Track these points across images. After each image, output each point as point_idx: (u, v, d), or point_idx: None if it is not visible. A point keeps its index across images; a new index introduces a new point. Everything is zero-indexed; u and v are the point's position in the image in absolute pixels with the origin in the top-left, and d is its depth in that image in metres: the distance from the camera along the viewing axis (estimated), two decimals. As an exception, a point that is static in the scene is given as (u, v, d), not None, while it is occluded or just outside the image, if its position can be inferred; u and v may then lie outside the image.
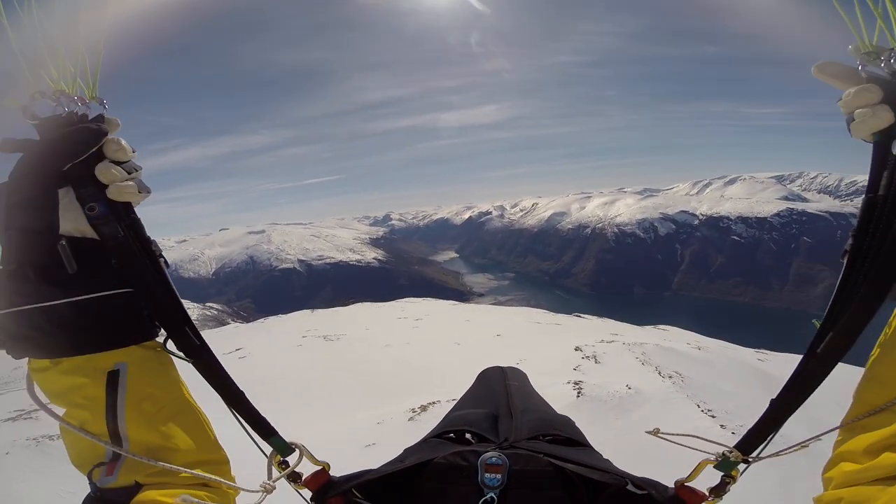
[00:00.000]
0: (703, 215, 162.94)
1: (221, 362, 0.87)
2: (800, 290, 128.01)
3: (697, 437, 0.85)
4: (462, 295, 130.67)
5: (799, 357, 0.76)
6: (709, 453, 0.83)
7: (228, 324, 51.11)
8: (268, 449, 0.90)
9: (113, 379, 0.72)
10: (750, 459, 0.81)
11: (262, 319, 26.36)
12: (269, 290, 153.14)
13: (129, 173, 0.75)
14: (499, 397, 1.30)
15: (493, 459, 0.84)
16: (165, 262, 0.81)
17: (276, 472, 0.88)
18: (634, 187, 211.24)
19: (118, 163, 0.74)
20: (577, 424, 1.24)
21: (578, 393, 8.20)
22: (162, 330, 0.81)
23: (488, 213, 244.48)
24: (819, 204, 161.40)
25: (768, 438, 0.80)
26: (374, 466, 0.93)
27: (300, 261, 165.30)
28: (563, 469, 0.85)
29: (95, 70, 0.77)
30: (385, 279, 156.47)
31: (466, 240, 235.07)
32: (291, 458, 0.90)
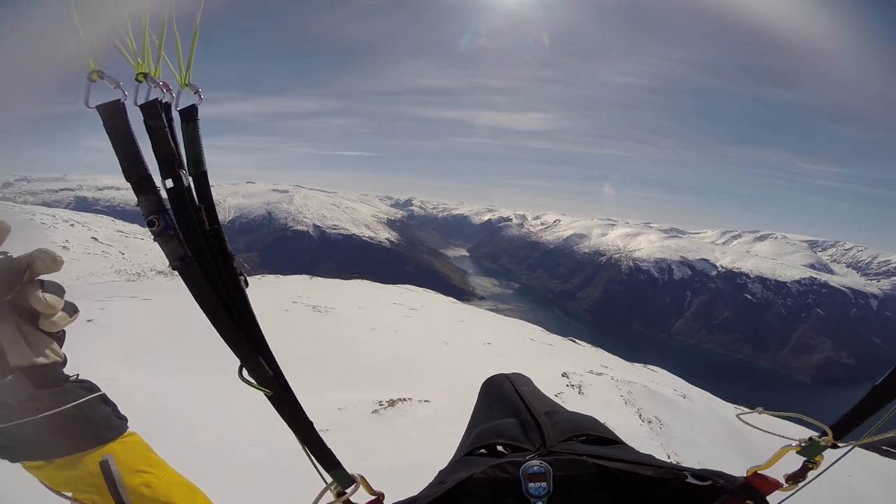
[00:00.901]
0: (722, 268, 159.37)
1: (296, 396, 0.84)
2: (794, 357, 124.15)
3: (800, 417, 0.87)
4: (463, 294, 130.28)
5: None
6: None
7: (231, 273, 51.60)
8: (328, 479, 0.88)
9: (105, 467, 0.78)
10: (840, 444, 0.78)
11: (259, 277, 26.33)
12: (278, 248, 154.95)
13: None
14: (515, 404, 1.23)
15: (536, 468, 0.80)
16: (246, 281, 0.75)
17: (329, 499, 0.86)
18: (661, 224, 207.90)
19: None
20: None
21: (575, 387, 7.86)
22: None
23: (508, 219, 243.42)
24: (843, 279, 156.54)
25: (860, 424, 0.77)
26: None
27: (315, 226, 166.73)
28: (608, 469, 0.81)
29: (191, 45, 0.64)
30: (392, 261, 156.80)
31: (480, 241, 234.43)
32: (349, 488, 0.89)
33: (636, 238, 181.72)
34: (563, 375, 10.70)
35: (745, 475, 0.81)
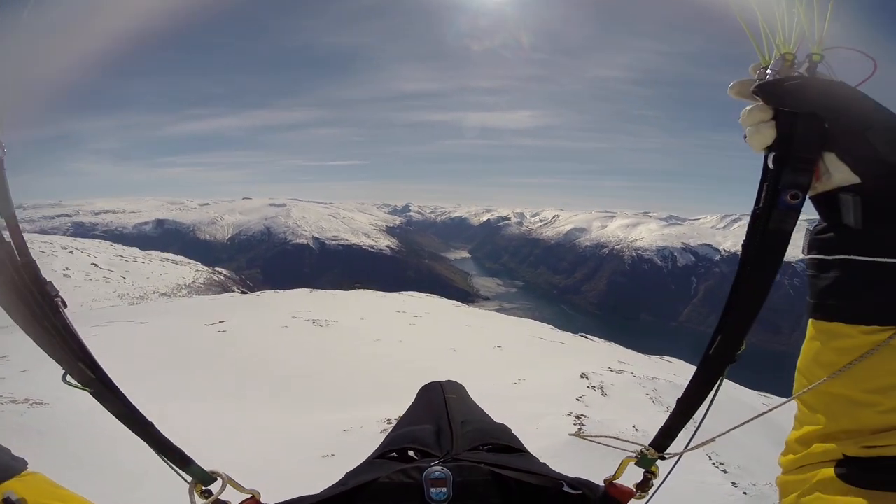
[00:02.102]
0: (725, 251, 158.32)
1: (123, 390, 0.86)
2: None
3: (616, 438, 0.95)
4: (468, 296, 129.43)
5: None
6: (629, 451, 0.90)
7: (232, 291, 51.16)
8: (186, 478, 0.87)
9: (8, 502, 0.75)
10: (665, 456, 0.88)
11: (258, 293, 25.77)
12: (279, 262, 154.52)
13: None
14: (438, 411, 1.30)
15: (437, 474, 0.84)
16: (63, 302, 0.81)
17: (199, 502, 0.86)
18: (660, 213, 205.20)
19: None
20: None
21: (579, 429, 7.21)
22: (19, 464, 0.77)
23: (507, 218, 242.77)
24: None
25: (683, 434, 0.87)
26: (331, 479, 0.92)
27: (314, 238, 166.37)
28: (502, 476, 0.87)
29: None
30: (394, 268, 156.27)
31: (480, 242, 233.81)
32: (215, 487, 0.87)
33: (636, 228, 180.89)
34: (582, 376, 10.05)
35: (603, 485, 0.88)
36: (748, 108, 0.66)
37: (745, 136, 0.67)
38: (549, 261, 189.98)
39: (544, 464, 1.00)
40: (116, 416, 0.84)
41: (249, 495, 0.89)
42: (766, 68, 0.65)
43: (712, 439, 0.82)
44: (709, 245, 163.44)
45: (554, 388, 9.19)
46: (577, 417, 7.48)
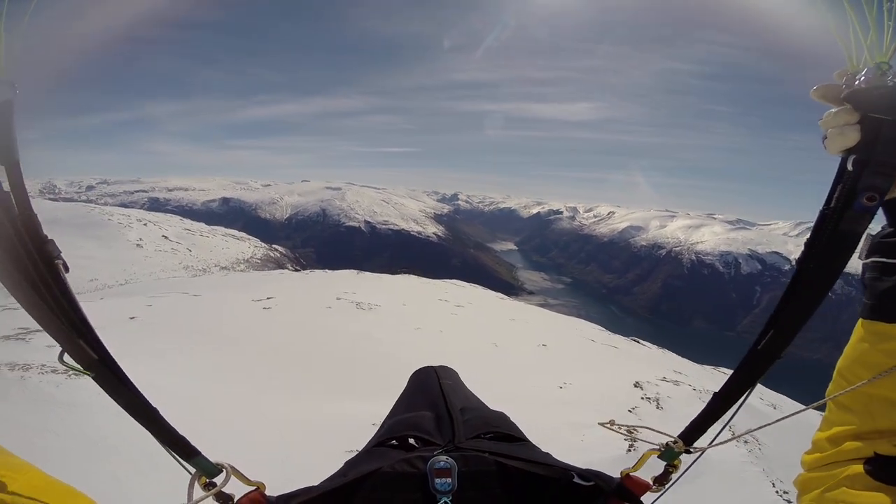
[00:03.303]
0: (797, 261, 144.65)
1: (127, 373, 0.78)
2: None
3: (647, 428, 0.93)
4: (512, 288, 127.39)
5: None
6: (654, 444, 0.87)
7: (286, 268, 53.53)
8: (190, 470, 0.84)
9: None
10: (691, 449, 0.86)
11: (307, 272, 26.51)
12: (332, 243, 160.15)
13: None
14: (435, 398, 1.27)
15: (442, 463, 0.83)
16: (65, 265, 0.71)
17: (201, 494, 0.81)
18: (726, 216, 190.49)
19: None
20: None
21: (631, 445, 6.48)
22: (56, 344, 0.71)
23: (559, 212, 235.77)
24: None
25: (710, 429, 0.86)
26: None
27: (366, 222, 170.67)
28: (507, 466, 0.86)
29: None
30: (440, 256, 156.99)
31: (528, 234, 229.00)
32: (219, 478, 0.84)
33: (699, 230, 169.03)
34: (635, 385, 9.20)
35: (619, 477, 0.87)
36: (834, 110, 0.66)
37: (825, 138, 0.68)
38: (601, 258, 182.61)
39: (548, 454, 0.97)
40: (119, 404, 0.77)
41: (254, 487, 0.85)
42: (854, 74, 0.65)
43: (741, 435, 0.80)
44: (778, 253, 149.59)
45: (603, 396, 8.46)
46: (629, 431, 6.74)
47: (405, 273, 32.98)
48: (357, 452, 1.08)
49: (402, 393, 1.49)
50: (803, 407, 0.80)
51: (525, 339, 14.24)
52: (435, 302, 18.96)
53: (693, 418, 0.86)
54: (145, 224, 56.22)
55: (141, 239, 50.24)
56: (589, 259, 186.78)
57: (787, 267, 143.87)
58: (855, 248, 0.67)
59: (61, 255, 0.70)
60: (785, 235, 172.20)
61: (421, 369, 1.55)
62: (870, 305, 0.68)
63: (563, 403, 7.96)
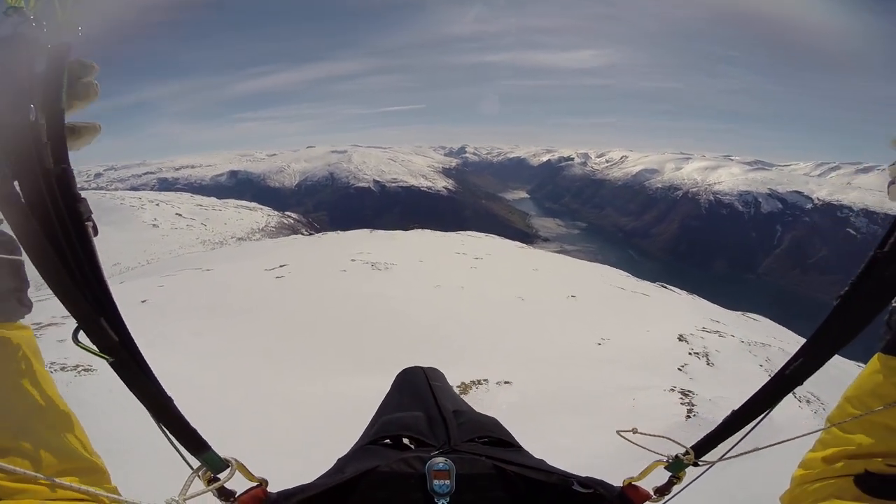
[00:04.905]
0: (819, 200, 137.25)
1: (147, 360, 0.70)
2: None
3: (663, 437, 0.90)
4: (527, 237, 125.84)
5: None
6: (661, 454, 0.86)
7: (301, 234, 53.25)
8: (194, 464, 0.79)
9: None
10: (699, 462, 0.86)
11: (320, 234, 25.88)
12: (343, 205, 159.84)
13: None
14: (425, 399, 1.25)
15: (441, 465, 0.82)
16: (95, 228, 0.63)
17: (200, 488, 0.77)
18: (744, 157, 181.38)
19: None
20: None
21: (689, 411, 5.77)
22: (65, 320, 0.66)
23: (570, 158, 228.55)
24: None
25: (722, 443, 0.84)
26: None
27: (375, 181, 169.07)
28: (505, 471, 0.85)
29: None
30: (451, 209, 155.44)
31: (540, 182, 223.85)
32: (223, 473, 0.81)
33: (716, 171, 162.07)
34: (680, 339, 8.44)
35: (620, 486, 0.86)
36: None
37: (892, 183, 0.71)
38: (616, 202, 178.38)
39: (542, 460, 0.97)
40: (135, 394, 0.69)
41: (257, 483, 0.83)
42: None
43: (751, 451, 0.81)
44: (800, 192, 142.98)
45: (649, 353, 7.73)
46: (684, 394, 6.03)
47: (418, 228, 32.19)
48: (350, 449, 1.06)
49: (390, 391, 1.48)
50: (820, 427, 0.80)
51: (552, 291, 13.49)
52: (452, 255, 18.22)
53: (709, 432, 0.84)
54: (157, 204, 56.16)
55: (156, 219, 50.26)
56: (603, 203, 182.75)
57: (809, 206, 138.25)
58: None
59: (92, 216, 0.62)
60: (806, 175, 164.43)
61: (408, 369, 1.55)
62: (890, 342, 0.72)
63: (607, 362, 7.26)
